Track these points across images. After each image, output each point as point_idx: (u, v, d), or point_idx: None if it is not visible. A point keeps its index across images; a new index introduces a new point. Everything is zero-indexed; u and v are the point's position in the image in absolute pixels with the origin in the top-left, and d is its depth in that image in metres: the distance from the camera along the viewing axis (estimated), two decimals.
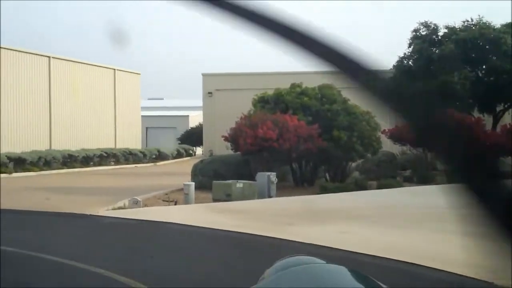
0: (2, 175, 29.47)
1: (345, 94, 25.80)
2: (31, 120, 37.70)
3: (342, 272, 1.33)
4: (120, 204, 17.88)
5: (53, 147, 37.75)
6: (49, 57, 39.75)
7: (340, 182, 23.22)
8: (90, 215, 14.84)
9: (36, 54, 38.72)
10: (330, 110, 24.14)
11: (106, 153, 38.53)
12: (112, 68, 46.81)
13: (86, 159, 36.58)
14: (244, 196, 18.70)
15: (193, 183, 18.81)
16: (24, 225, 11.80)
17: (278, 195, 19.88)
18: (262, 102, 25.55)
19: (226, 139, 23.66)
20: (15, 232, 11.30)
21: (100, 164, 37.49)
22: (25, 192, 22.43)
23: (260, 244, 10.78)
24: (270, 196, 19.52)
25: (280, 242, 11.05)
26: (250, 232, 12.05)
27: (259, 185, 19.48)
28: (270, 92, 26.53)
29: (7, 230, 11.17)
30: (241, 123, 23.22)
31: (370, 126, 25.14)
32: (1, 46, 35.87)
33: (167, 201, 18.68)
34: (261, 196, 19.23)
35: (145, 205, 18.07)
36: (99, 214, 15.11)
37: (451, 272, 8.75)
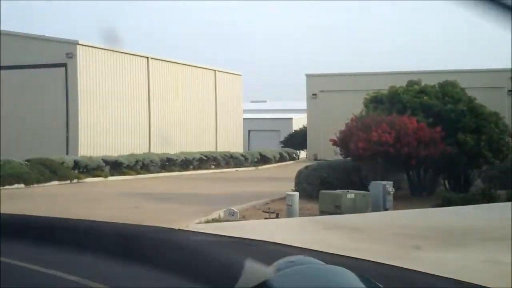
0: (97, 178, 28.23)
1: (471, 92, 22.83)
2: (130, 123, 36.56)
3: (341, 272, 1.30)
4: (215, 215, 15.76)
5: (152, 151, 36.47)
6: (147, 57, 38.55)
7: (463, 192, 20.24)
8: (178, 229, 12.76)
9: (135, 55, 37.58)
10: (453, 110, 21.16)
11: (206, 156, 36.85)
12: (212, 69, 45.30)
13: (185, 163, 35.00)
14: (355, 208, 16.17)
15: (297, 193, 16.43)
16: (91, 243, 9.92)
17: (394, 207, 17.22)
18: (375, 102, 22.89)
19: (334, 143, 21.17)
20: (66, 253, 9.22)
21: (200, 168, 35.84)
22: (116, 198, 20.79)
23: (391, 279, 8.19)
24: (386, 209, 16.86)
25: (414, 276, 8.45)
26: (371, 259, 9.53)
27: (373, 196, 16.88)
28: (381, 93, 23.88)
29: (59, 249, 9.15)
30: (352, 125, 20.67)
31: (499, 128, 22.03)
32: (103, 47, 34.90)
33: (267, 212, 16.42)
34: (375, 208, 16.62)
35: (243, 217, 15.88)
36: (188, 228, 13.02)
37: None
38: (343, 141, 20.33)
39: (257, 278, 1.33)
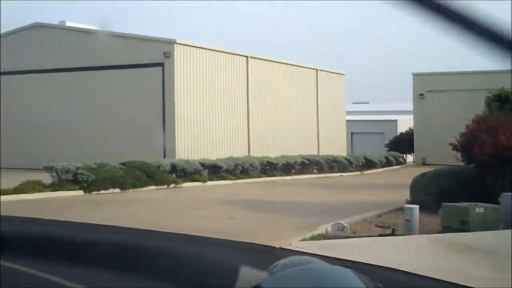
0: (195, 183, 26.99)
1: None
2: (228, 124, 35.28)
3: (342, 273, 1.29)
4: (321, 229, 13.93)
5: (251, 154, 35.06)
6: (247, 56, 37.13)
7: None
8: (279, 248, 11.11)
9: (233, 54, 36.27)
10: None
11: (308, 160, 35.03)
12: (314, 69, 43.45)
13: (286, 167, 33.33)
14: (485, 225, 13.90)
15: (417, 206, 14.33)
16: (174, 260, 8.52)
17: None
18: (499, 100, 20.41)
19: (454, 147, 18.85)
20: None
21: (301, 172, 34.06)
22: (212, 206, 19.32)
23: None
24: None
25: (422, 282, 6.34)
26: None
27: (504, 210, 14.56)
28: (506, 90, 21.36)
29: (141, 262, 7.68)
30: (474, 127, 18.31)
31: None
32: (200, 46, 33.84)
33: (381, 227, 14.43)
34: (508, 225, 14.30)
35: (353, 232, 13.97)
36: (291, 247, 11.30)
37: None
38: (466, 146, 18.01)
39: (250, 282, 1.30)
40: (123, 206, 19.23)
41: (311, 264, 1.33)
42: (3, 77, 35.68)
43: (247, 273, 1.36)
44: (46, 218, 2.79)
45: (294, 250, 8.80)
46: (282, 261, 1.34)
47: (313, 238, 12.94)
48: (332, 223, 13.95)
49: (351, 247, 11.55)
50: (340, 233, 13.41)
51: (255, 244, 7.59)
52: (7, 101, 35.49)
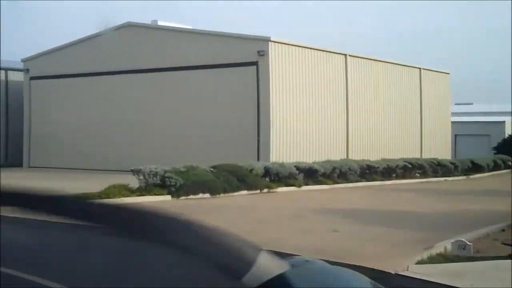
0: (290, 188, 25.28)
1: None
2: (325, 126, 33.38)
3: (343, 273, 1.31)
4: (439, 247, 11.88)
5: (350, 157, 33.04)
6: (345, 55, 35.10)
7: None
8: (396, 274, 9.15)
9: (331, 52, 34.33)
10: None
11: (410, 163, 32.66)
12: (417, 67, 40.90)
13: (387, 171, 31.10)
14: None
15: None
16: None
17: None
18: None
19: None
20: None
21: (403, 177, 31.75)
22: (310, 215, 17.52)
23: None
24: None
25: None
26: None
27: None
28: None
29: None
30: None
31: None
32: (295, 44, 32.16)
33: (508, 244, 12.26)
34: None
35: (477, 251, 11.85)
36: (409, 272, 9.37)
37: None
38: None
39: (268, 273, 1.25)
40: (213, 215, 17.73)
41: (313, 265, 1.28)
42: (95, 77, 35.17)
43: (264, 262, 1.25)
44: None
45: (415, 278, 6.74)
46: (295, 259, 1.29)
47: (432, 259, 10.91)
48: (452, 241, 11.87)
49: (483, 274, 9.46)
50: (462, 253, 11.34)
51: (366, 268, 5.75)
52: (98, 101, 34.95)
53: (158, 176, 21.27)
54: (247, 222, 16.25)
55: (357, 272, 1.32)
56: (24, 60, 38.13)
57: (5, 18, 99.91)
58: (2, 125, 39.61)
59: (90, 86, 35.35)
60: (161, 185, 21.19)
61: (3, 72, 40.07)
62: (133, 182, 21.32)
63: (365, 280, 1.30)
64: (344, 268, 1.34)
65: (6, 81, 40.06)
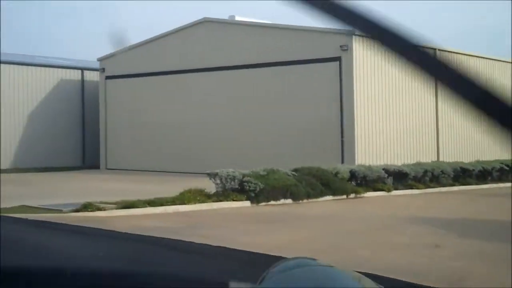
0: (378, 193, 23.29)
1: None
2: (414, 125, 31.14)
3: (343, 274, 1.26)
4: None
5: (441, 158, 30.70)
6: (435, 49, 32.45)
7: None
8: None
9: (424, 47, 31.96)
10: None
11: (508, 166, 30.03)
12: (509, 62, 37.99)
13: (483, 174, 28.64)
14: None
15: None
16: None
17: None
18: None
19: None
20: None
21: (500, 180, 29.19)
22: (403, 226, 15.52)
23: None
24: None
25: None
26: None
27: None
28: None
29: None
30: None
31: None
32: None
33: None
34: None
35: None
36: None
37: None
38: None
39: None
40: (295, 223, 16.04)
41: (312, 266, 1.27)
42: (170, 76, 34.04)
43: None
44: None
45: None
46: (281, 262, 1.26)
47: None
48: None
49: None
50: None
51: None
52: (173, 101, 33.79)
53: (236, 180, 19.71)
54: (333, 233, 14.48)
55: (357, 273, 1.25)
56: (100, 59, 37.42)
57: (84, 18, 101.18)
58: (78, 126, 39.05)
59: (165, 85, 34.25)
60: (240, 190, 19.61)
61: (79, 71, 39.52)
62: (209, 186, 19.85)
63: (364, 281, 1.23)
64: (343, 269, 1.24)
65: (82, 80, 39.49)
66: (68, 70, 39.24)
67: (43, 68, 37.98)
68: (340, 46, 28.84)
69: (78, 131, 39.10)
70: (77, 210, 16.52)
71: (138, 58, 35.13)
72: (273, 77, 30.91)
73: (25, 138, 36.90)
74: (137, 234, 2.34)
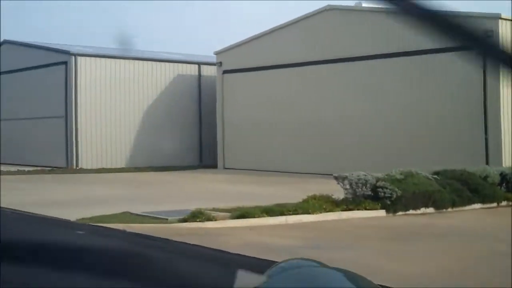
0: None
1: None
2: None
3: (342, 275, 1.23)
4: None
5: None
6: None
7: None
8: None
9: None
10: None
11: None
12: None
13: None
14: None
15: None
16: None
17: None
18: None
19: None
20: None
21: None
22: None
23: None
24: None
25: None
26: None
27: None
28: None
29: None
30: None
31: None
32: None
33: None
34: None
35: None
36: None
37: None
38: None
39: (247, 285, 1.22)
40: (440, 242, 13.03)
41: (310, 267, 1.26)
42: (288, 69, 31.53)
43: (244, 276, 1.27)
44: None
45: None
46: (281, 263, 1.25)
47: None
48: None
49: None
50: None
51: None
52: (292, 96, 31.25)
53: (368, 185, 16.89)
54: (491, 260, 11.36)
55: (357, 274, 1.19)
56: (217, 53, 35.51)
57: (200, 10, 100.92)
58: (195, 122, 37.39)
59: (286, 78, 31.76)
60: (373, 196, 16.76)
61: (196, 66, 37.86)
62: (335, 189, 17.15)
63: (365, 282, 1.20)
64: (343, 270, 1.20)
65: (199, 75, 37.79)
66: (184, 65, 37.68)
67: (159, 63, 36.61)
68: (485, 31, 25.23)
69: (195, 128, 37.42)
70: (184, 220, 14.29)
71: (257, 51, 32.90)
72: (403, 68, 27.72)
73: (140, 136, 35.64)
74: (254, 259, 1.50)
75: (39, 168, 32.91)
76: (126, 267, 1.43)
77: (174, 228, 13.47)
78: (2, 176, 29.02)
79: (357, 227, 14.60)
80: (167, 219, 14.49)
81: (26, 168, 32.83)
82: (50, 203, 17.89)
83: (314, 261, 1.26)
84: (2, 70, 39.10)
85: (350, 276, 1.21)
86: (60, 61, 34.65)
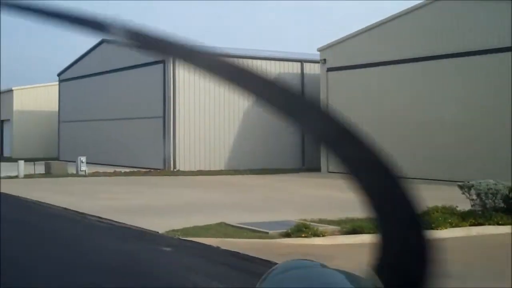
0: None
1: None
2: None
3: (341, 275, 1.22)
4: None
5: None
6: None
7: None
8: None
9: None
10: None
11: None
12: None
13: None
14: None
15: None
16: None
17: None
18: None
19: None
20: None
21: None
22: None
23: None
24: None
25: None
26: None
27: None
28: None
29: None
30: None
31: None
32: None
33: None
34: None
35: None
36: None
37: None
38: None
39: None
40: None
41: (310, 267, 1.25)
42: (395, 66, 29.13)
43: None
44: None
45: None
46: (281, 264, 1.26)
47: None
48: None
49: None
50: None
51: None
52: (401, 94, 28.82)
53: (499, 196, 14.52)
54: None
55: (356, 274, 1.19)
56: (320, 50, 33.54)
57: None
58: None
59: (396, 75, 29.38)
60: (505, 209, 14.38)
61: (298, 64, 36.06)
62: (457, 198, 14.86)
63: (365, 282, 1.17)
64: (343, 270, 1.20)
65: (302, 73, 35.97)
66: (287, 63, 35.97)
67: (260, 61, 35.06)
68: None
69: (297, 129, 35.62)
70: (287, 234, 12.46)
71: (365, 46, 30.66)
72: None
73: (240, 137, 34.20)
74: None
75: (135, 170, 32.06)
76: None
77: (276, 245, 11.67)
78: (98, 178, 28.23)
79: (493, 247, 12.29)
80: (267, 232, 12.70)
81: (123, 169, 32.05)
82: (142, 209, 16.55)
83: (314, 261, 1.23)
84: (99, 71, 38.71)
85: (350, 276, 1.18)
86: (158, 59, 33.70)
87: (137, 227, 13.36)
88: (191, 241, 11.62)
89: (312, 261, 1.25)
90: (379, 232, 1.02)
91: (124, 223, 13.93)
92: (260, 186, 24.59)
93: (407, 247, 1.01)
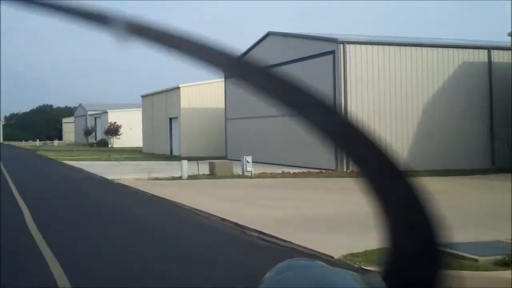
0: None
1: None
2: None
3: (343, 275, 1.19)
4: None
5: None
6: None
7: None
8: None
9: None
10: None
11: None
12: None
13: None
14: None
15: None
16: None
17: None
18: None
19: None
20: None
21: None
22: None
23: None
24: None
25: None
26: None
27: None
28: None
29: None
30: None
31: None
32: None
33: None
34: None
35: None
36: None
37: None
38: None
39: None
40: None
41: (311, 267, 1.23)
42: None
43: None
44: None
45: None
46: (281, 263, 1.22)
47: None
48: None
49: None
50: None
51: None
52: None
53: None
54: None
55: (355, 273, 1.16)
56: None
57: None
58: (485, 117, 31.61)
59: None
60: None
61: (485, 51, 32.04)
62: None
63: (364, 281, 1.15)
64: (344, 270, 1.18)
65: (489, 62, 31.91)
66: (471, 51, 32.03)
67: (438, 49, 31.57)
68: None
69: (484, 124, 31.54)
70: (504, 262, 9.37)
71: None
72: None
73: (419, 132, 30.82)
74: None
75: (305, 170, 29.75)
76: None
77: (487, 280, 8.65)
78: (265, 180, 26.20)
79: None
80: (476, 260, 9.65)
81: (292, 170, 29.88)
82: (304, 222, 14.05)
83: (315, 260, 1.22)
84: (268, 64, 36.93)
85: (352, 276, 1.17)
86: (327, 50, 31.16)
87: (305, 247, 10.81)
88: (374, 272, 8.89)
89: (312, 260, 1.20)
90: (388, 237, 0.94)
91: (290, 241, 11.42)
92: (441, 191, 21.05)
93: (420, 258, 0.93)
